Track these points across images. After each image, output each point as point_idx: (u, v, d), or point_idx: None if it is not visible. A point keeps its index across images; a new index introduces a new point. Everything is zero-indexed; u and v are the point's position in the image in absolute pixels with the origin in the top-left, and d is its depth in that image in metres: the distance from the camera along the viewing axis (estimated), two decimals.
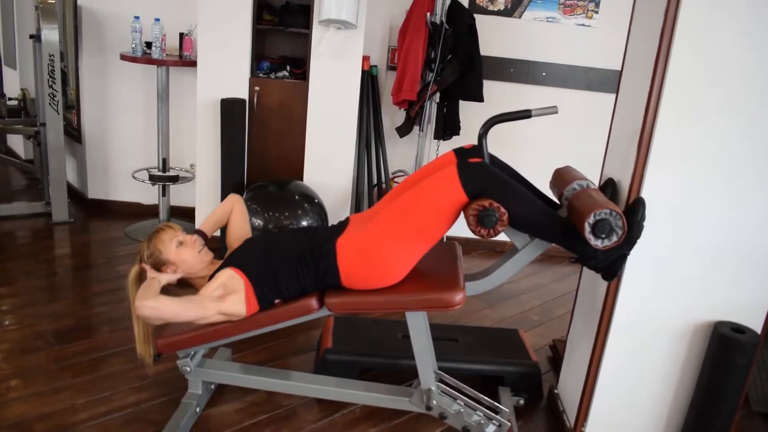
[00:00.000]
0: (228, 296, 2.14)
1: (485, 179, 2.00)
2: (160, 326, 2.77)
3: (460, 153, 2.31)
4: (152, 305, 2.03)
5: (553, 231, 2.05)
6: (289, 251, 2.22)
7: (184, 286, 2.36)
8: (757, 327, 2.16)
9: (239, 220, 2.54)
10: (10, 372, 2.63)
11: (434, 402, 2.26)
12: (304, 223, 3.58)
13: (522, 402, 2.62)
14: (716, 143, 2.04)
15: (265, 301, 2.19)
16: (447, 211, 2.03)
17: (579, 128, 4.34)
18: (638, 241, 1.99)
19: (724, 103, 2.01)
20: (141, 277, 2.27)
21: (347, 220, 2.33)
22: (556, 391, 2.68)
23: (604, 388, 2.32)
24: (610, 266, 2.03)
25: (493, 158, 2.30)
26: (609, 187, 2.28)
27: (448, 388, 2.35)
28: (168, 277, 2.26)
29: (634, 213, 1.99)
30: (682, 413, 2.30)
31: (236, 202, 2.56)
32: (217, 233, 2.92)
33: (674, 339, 2.24)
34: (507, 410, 2.44)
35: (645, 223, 2.01)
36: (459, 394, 2.36)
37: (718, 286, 2.17)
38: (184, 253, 2.29)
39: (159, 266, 2.28)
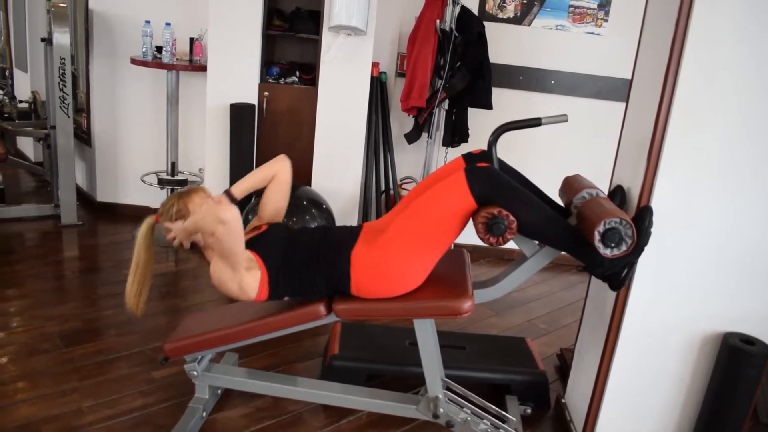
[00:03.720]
0: (247, 274, 2.11)
1: (493, 184, 2.00)
2: (165, 323, 2.79)
3: (469, 158, 2.30)
4: (235, 216, 1.94)
5: (561, 238, 2.05)
6: (307, 252, 2.20)
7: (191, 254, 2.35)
8: (767, 338, 2.15)
9: (279, 191, 2.42)
10: (17, 374, 2.64)
11: (441, 410, 2.26)
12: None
13: (529, 411, 2.60)
14: (726, 151, 2.03)
15: (277, 293, 2.18)
16: (456, 218, 2.03)
17: (588, 136, 4.33)
18: (645, 248, 1.98)
19: (734, 111, 2.00)
20: (151, 232, 2.24)
21: (360, 227, 2.32)
22: (563, 400, 2.67)
23: (612, 398, 2.31)
24: (618, 274, 2.02)
25: (502, 163, 2.30)
26: (618, 194, 2.27)
27: (455, 396, 2.35)
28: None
29: (642, 220, 1.99)
30: (691, 424, 2.28)
31: (282, 170, 2.40)
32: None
33: (683, 349, 2.23)
34: (514, 419, 2.44)
35: (654, 232, 2.01)
36: (466, 403, 2.35)
37: (728, 296, 2.16)
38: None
39: (167, 228, 2.25)
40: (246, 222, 2.44)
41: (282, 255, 2.19)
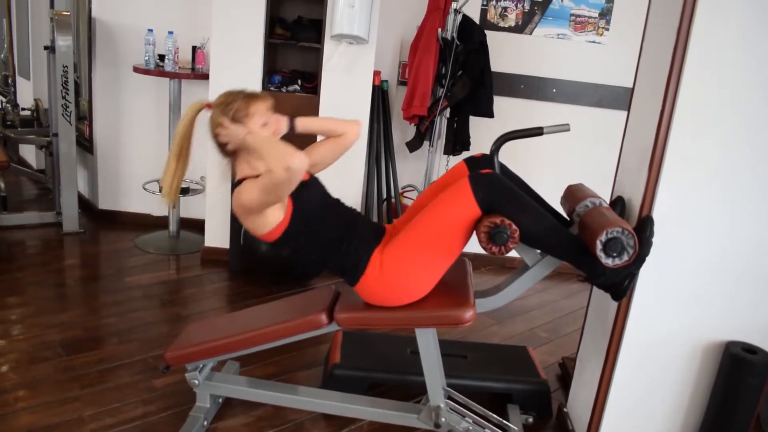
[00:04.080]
0: (272, 209, 2.04)
1: (497, 190, 2.00)
2: (167, 331, 2.78)
3: (472, 163, 2.30)
4: (304, 168, 1.88)
5: (562, 247, 2.05)
6: (334, 230, 2.17)
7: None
8: None
9: (336, 150, 2.34)
10: (18, 382, 2.63)
11: (443, 419, 2.25)
12: None
13: (531, 420, 2.60)
14: (728, 160, 2.04)
15: (284, 244, 2.14)
16: (463, 226, 2.03)
17: (589, 145, 4.33)
18: (647, 258, 1.98)
19: (736, 120, 2.00)
20: (194, 119, 2.18)
21: (384, 229, 2.29)
22: (565, 409, 2.66)
23: (615, 407, 2.30)
24: (619, 285, 2.02)
25: (505, 170, 2.30)
26: (619, 204, 2.27)
27: (456, 405, 2.34)
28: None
29: (643, 230, 1.99)
30: None
31: (352, 133, 2.32)
32: None
33: (685, 358, 2.22)
34: (516, 428, 2.43)
35: (656, 240, 2.01)
36: (468, 412, 2.34)
37: (730, 305, 2.15)
38: (258, 131, 2.10)
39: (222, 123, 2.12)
40: None
41: (311, 216, 2.14)
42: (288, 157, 1.86)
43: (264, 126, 2.11)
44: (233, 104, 2.09)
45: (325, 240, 2.16)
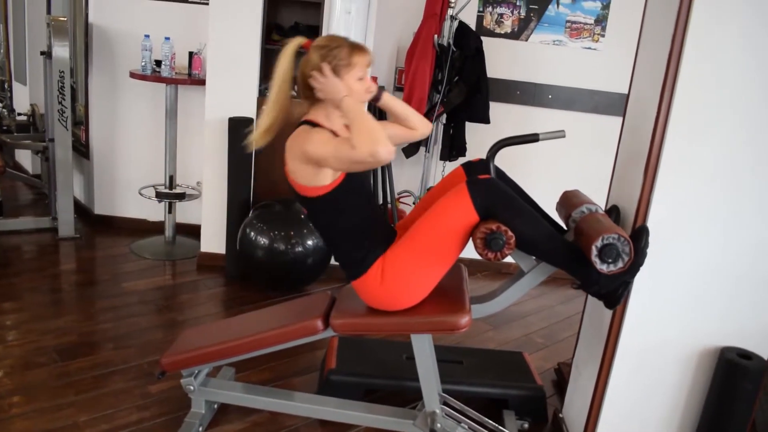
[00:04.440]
0: (327, 173, 2.03)
1: (494, 195, 2.00)
2: (162, 336, 2.78)
3: (469, 168, 2.30)
4: (388, 158, 1.85)
5: (557, 254, 2.05)
6: (364, 215, 2.16)
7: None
8: (764, 353, 2.14)
9: (403, 137, 2.30)
10: (13, 388, 2.63)
11: (438, 425, 2.25)
12: (310, 243, 3.58)
13: (526, 426, 2.60)
14: (723, 167, 2.04)
15: (321, 205, 2.09)
16: (459, 232, 2.03)
17: (585, 151, 4.33)
18: (641, 268, 1.98)
19: (731, 126, 2.01)
20: (294, 57, 2.09)
21: (395, 234, 2.26)
22: (560, 415, 2.66)
23: (610, 412, 2.30)
24: (613, 293, 2.02)
25: (501, 174, 2.30)
26: (613, 213, 2.28)
27: (452, 410, 2.35)
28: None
29: (638, 239, 1.98)
30: None
31: (421, 131, 2.31)
32: None
33: (681, 364, 2.23)
34: None
35: (651, 246, 2.01)
36: (463, 418, 2.35)
37: (725, 310, 2.16)
38: (353, 84, 2.05)
39: (322, 69, 2.04)
40: None
41: (352, 194, 2.11)
42: (377, 144, 1.84)
43: (359, 81, 2.06)
44: (336, 51, 2.03)
45: (350, 223, 2.13)
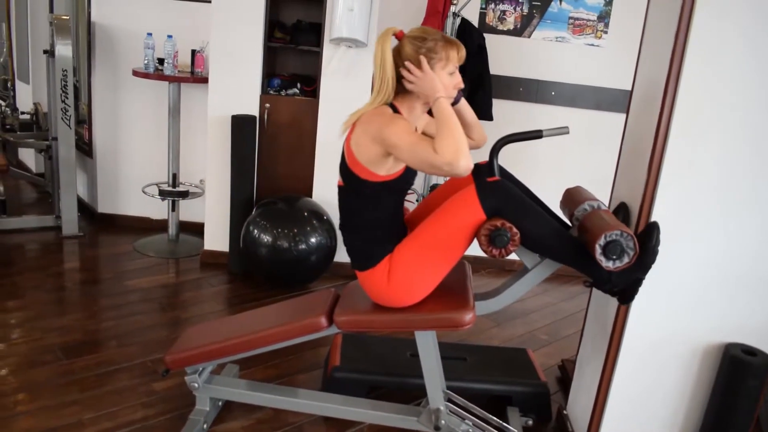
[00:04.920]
0: (392, 162, 2.00)
1: (504, 199, 2.00)
2: (166, 334, 2.78)
3: (476, 171, 2.29)
4: (466, 171, 1.82)
5: (566, 253, 2.04)
6: (395, 212, 2.16)
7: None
8: None
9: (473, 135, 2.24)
10: (18, 385, 2.63)
11: (443, 422, 2.25)
12: (313, 240, 3.59)
13: (530, 423, 2.60)
14: (727, 162, 2.04)
15: (370, 190, 2.05)
16: (466, 232, 2.02)
17: (588, 148, 4.33)
18: (652, 266, 1.98)
19: (735, 122, 2.01)
20: (389, 43, 2.00)
21: (406, 229, 2.25)
22: (565, 412, 2.66)
23: (614, 409, 2.30)
24: (626, 290, 2.02)
25: (505, 173, 2.30)
26: (621, 211, 2.28)
27: (456, 407, 2.34)
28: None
29: (649, 237, 1.97)
30: None
31: (479, 142, 2.28)
32: None
33: (685, 361, 2.22)
34: (515, 431, 2.43)
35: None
36: (467, 414, 2.34)
37: (729, 307, 2.16)
38: (445, 79, 2.02)
39: (417, 60, 1.98)
40: None
41: (398, 190, 2.11)
42: (460, 156, 1.79)
43: (451, 75, 2.03)
44: (431, 44, 1.99)
45: (379, 216, 2.11)
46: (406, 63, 1.99)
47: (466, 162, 1.80)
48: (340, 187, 2.14)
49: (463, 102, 2.21)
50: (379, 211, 2.11)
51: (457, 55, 2.03)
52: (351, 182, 2.08)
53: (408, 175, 2.09)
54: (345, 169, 2.08)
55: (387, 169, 2.01)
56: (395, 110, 2.04)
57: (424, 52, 1.98)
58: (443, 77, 2.01)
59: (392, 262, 2.10)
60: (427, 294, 2.12)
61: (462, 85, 2.10)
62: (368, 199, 2.08)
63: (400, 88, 2.05)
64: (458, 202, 2.03)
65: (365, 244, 2.14)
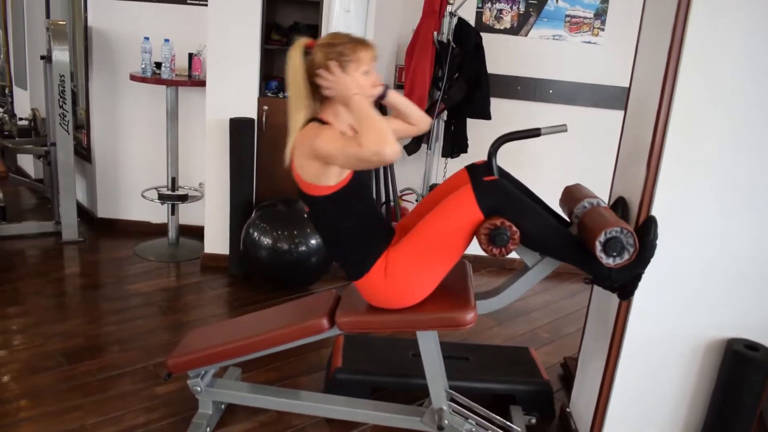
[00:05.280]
0: (335, 171, 2.03)
1: (501, 198, 2.00)
2: (168, 338, 2.78)
3: (473, 170, 2.30)
4: (394, 157, 1.84)
5: (566, 250, 2.05)
6: (366, 214, 2.17)
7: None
8: None
9: (405, 131, 2.29)
10: (20, 392, 2.63)
11: (446, 421, 2.25)
12: (313, 242, 3.59)
13: (534, 421, 2.60)
14: (726, 157, 2.04)
15: (327, 205, 2.10)
16: (464, 231, 2.03)
17: (587, 145, 4.33)
18: (652, 259, 1.98)
19: (734, 117, 2.01)
20: (303, 58, 2.07)
21: (394, 231, 2.26)
22: (568, 409, 2.66)
23: (617, 406, 2.30)
24: (626, 286, 2.02)
25: (503, 173, 2.30)
26: (620, 206, 2.28)
27: (459, 407, 2.34)
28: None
29: (647, 232, 1.98)
30: (697, 431, 2.28)
31: (420, 127, 2.31)
32: None
33: (687, 356, 2.22)
34: (519, 429, 2.43)
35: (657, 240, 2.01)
36: (471, 414, 2.34)
37: (731, 302, 2.16)
38: (360, 79, 2.04)
39: (328, 66, 2.03)
40: None
41: (356, 194, 2.12)
42: (384, 144, 1.83)
43: (366, 75, 2.05)
44: (340, 47, 2.03)
45: (351, 224, 2.13)
46: (319, 71, 2.04)
47: (391, 149, 1.82)
48: (307, 213, 2.17)
49: (392, 93, 2.22)
50: (349, 218, 2.12)
51: (368, 54, 2.06)
52: (313, 204, 2.13)
53: (358, 175, 2.10)
54: (302, 195, 2.14)
55: (336, 177, 2.04)
56: (323, 122, 2.07)
57: (334, 56, 2.02)
58: (358, 78, 2.04)
59: (388, 263, 2.10)
60: (428, 294, 2.12)
61: (380, 84, 2.12)
62: (334, 211, 2.11)
63: (323, 98, 2.10)
64: (455, 201, 2.04)
65: (351, 254, 2.15)
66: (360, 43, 2.07)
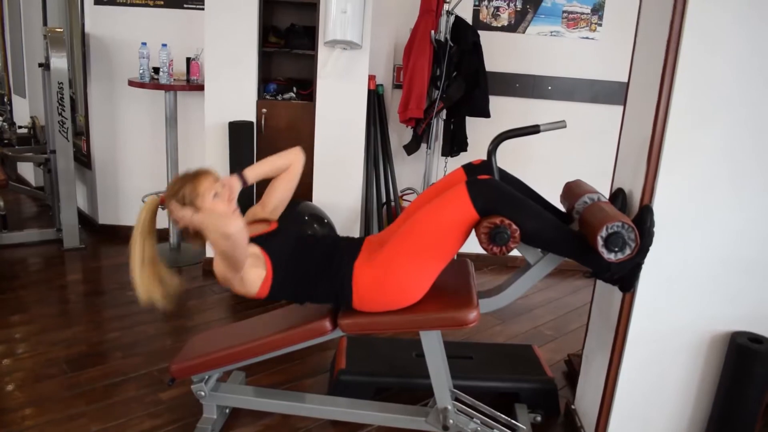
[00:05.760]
0: (251, 269, 2.11)
1: (495, 196, 2.00)
2: (171, 343, 2.78)
3: (469, 169, 2.30)
4: (239, 228, 1.92)
5: (565, 245, 2.04)
6: (314, 261, 2.19)
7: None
8: None
9: (289, 183, 2.37)
10: (25, 400, 2.63)
11: (451, 421, 2.25)
12: None
13: (539, 419, 2.59)
14: (727, 149, 2.03)
15: (277, 295, 2.18)
16: (458, 230, 2.02)
17: (587, 140, 4.32)
18: (650, 248, 1.98)
19: (733, 110, 2.00)
20: (154, 217, 2.21)
21: (362, 239, 2.31)
22: (573, 406, 2.66)
23: (622, 402, 2.30)
24: (626, 277, 2.02)
25: (502, 172, 2.30)
26: (619, 197, 2.27)
27: (464, 406, 2.34)
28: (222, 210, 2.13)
29: (643, 221, 1.99)
30: (702, 425, 2.27)
31: (297, 162, 2.36)
32: None
33: (691, 350, 2.22)
34: (524, 427, 2.43)
35: (658, 233, 2.01)
36: (475, 413, 2.34)
37: (734, 295, 2.15)
38: (217, 206, 2.12)
39: (187, 217, 2.14)
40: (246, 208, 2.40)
41: (289, 259, 2.18)
42: (222, 227, 1.91)
43: (216, 196, 2.12)
44: (182, 190, 2.11)
45: (307, 276, 2.18)
46: (182, 227, 2.17)
47: (231, 225, 1.92)
48: (265, 298, 2.21)
49: (249, 174, 2.28)
50: (307, 269, 2.18)
51: (207, 181, 2.11)
52: (277, 296, 2.21)
53: (271, 244, 2.18)
54: (268, 300, 2.27)
55: (261, 267, 2.13)
56: None
57: (187, 202, 2.10)
58: (214, 205, 2.11)
59: (377, 265, 2.10)
60: (424, 291, 2.12)
61: (238, 190, 2.21)
62: (291, 282, 2.18)
63: (195, 234, 2.18)
64: (448, 199, 2.03)
65: (332, 286, 2.16)
66: (196, 175, 2.13)
